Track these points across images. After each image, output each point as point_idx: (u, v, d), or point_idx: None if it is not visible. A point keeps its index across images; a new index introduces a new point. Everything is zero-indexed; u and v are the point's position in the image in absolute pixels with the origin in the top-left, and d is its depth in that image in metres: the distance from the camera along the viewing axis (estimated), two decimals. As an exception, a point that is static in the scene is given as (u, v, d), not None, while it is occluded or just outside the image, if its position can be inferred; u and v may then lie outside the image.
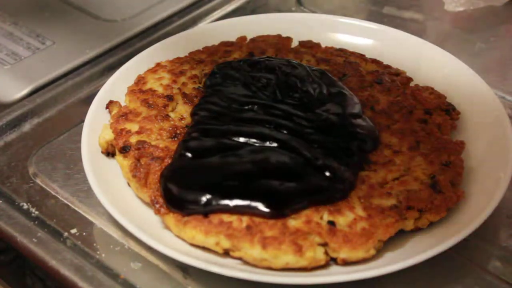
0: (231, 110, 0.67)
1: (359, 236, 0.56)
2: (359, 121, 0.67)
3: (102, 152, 0.66)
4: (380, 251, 0.57)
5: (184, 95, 0.70)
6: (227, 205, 0.58)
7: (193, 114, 0.68)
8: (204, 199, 0.58)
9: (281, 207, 0.58)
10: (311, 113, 0.67)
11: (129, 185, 0.63)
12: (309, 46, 0.79)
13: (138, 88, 0.71)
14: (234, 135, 0.64)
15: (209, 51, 0.78)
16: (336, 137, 0.64)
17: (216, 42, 0.80)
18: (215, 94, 0.70)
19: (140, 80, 0.72)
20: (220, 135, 0.64)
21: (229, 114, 0.67)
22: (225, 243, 0.57)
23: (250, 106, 0.68)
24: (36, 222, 0.63)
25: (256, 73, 0.72)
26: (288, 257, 0.56)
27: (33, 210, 0.64)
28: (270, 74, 0.72)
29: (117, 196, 0.61)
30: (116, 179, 0.64)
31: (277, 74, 0.72)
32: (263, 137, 0.64)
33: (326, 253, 0.57)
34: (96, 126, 0.67)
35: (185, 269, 0.58)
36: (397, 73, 0.75)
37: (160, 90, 0.71)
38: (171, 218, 0.59)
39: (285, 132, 0.64)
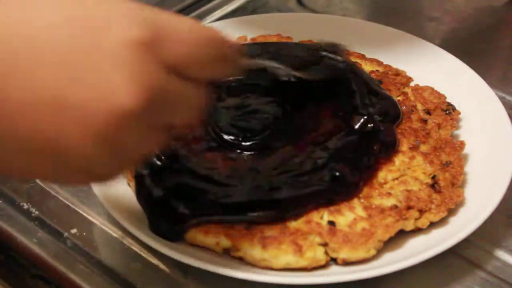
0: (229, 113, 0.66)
1: (359, 236, 0.56)
2: (385, 126, 0.65)
3: (102, 152, 0.66)
4: (380, 251, 0.57)
5: (184, 95, 0.70)
6: (223, 219, 0.57)
7: None
8: (195, 220, 0.57)
9: (282, 214, 0.57)
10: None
11: (129, 185, 0.63)
12: (309, 46, 0.79)
13: (138, 88, 0.71)
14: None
15: (209, 51, 0.77)
16: (353, 142, 0.63)
17: (216, 42, 0.79)
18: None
19: (140, 80, 0.72)
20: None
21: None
22: (225, 243, 0.56)
23: (250, 108, 0.66)
24: (36, 222, 0.63)
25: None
26: (288, 257, 0.55)
27: (33, 210, 0.64)
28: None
29: (117, 196, 0.61)
30: (116, 179, 0.64)
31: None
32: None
33: (326, 253, 0.57)
34: (96, 126, 0.67)
35: (185, 269, 0.58)
36: (397, 73, 0.75)
37: (160, 90, 0.70)
38: (171, 218, 0.58)
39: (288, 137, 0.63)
